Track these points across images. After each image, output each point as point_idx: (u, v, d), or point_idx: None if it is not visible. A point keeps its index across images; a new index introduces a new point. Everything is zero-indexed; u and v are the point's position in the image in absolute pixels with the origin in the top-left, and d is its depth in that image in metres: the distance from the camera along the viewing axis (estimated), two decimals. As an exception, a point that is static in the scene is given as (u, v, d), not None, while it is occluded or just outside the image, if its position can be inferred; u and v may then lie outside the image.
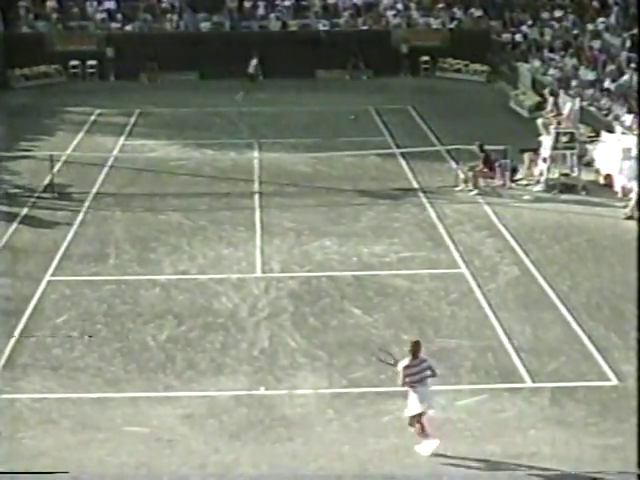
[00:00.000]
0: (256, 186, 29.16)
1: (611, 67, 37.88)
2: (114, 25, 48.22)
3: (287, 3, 49.56)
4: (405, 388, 15.22)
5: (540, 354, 18.22)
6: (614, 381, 17.24)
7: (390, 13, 48.79)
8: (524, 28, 46.82)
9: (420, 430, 15.16)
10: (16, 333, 19.20)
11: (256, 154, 32.68)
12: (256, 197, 28.00)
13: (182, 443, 15.38)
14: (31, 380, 17.38)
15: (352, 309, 20.30)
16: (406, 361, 15.19)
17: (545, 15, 47.86)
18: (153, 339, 18.99)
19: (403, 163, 31.12)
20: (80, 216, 26.34)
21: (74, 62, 46.09)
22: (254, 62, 42.78)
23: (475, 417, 16.11)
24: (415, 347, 15.27)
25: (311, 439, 15.52)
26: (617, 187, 27.63)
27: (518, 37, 46.21)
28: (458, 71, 46.32)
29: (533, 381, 17.28)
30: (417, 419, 15.20)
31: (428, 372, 15.23)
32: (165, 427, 15.85)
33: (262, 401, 16.72)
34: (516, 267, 22.47)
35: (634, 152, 27.37)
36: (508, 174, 28.60)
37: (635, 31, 39.96)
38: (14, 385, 17.20)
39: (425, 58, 46.75)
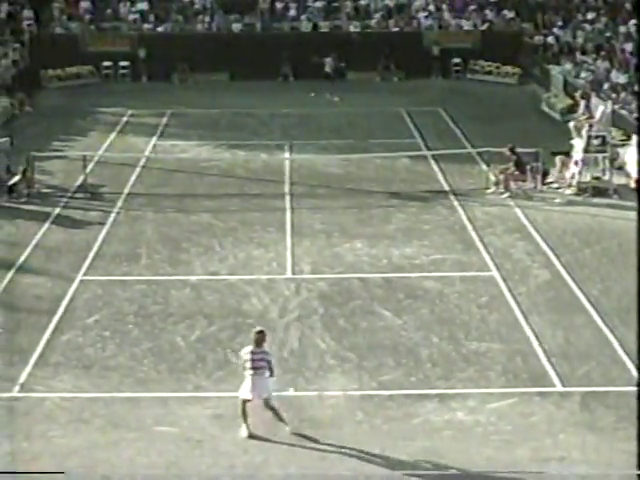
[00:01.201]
0: (287, 187, 29.20)
1: (643, 70, 37.73)
2: (146, 26, 48.46)
3: (318, 4, 49.63)
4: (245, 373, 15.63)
5: (570, 358, 18.14)
6: (645, 386, 17.15)
7: (422, 15, 48.75)
8: (556, 30, 46.63)
9: (244, 414, 15.63)
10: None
11: (287, 155, 32.73)
12: (287, 198, 28.04)
13: (212, 443, 15.43)
14: (62, 379, 17.48)
15: (382, 311, 20.30)
16: (249, 348, 15.67)
17: (578, 17, 47.63)
18: (183, 339, 19.06)
19: (434, 165, 31.08)
20: (112, 216, 26.48)
21: (107, 63, 46.35)
22: (329, 60, 42.78)
23: (505, 420, 16.05)
24: (259, 336, 15.70)
25: (340, 441, 15.49)
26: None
27: (550, 39, 46.03)
28: (489, 73, 46.21)
29: (563, 385, 17.19)
30: (243, 404, 15.64)
31: (264, 364, 15.58)
32: (195, 427, 15.89)
33: (291, 402, 16.70)
34: (547, 270, 22.38)
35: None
36: (539, 177, 28.50)
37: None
38: (45, 384, 17.31)
39: (456, 60, 46.71)
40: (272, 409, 15.73)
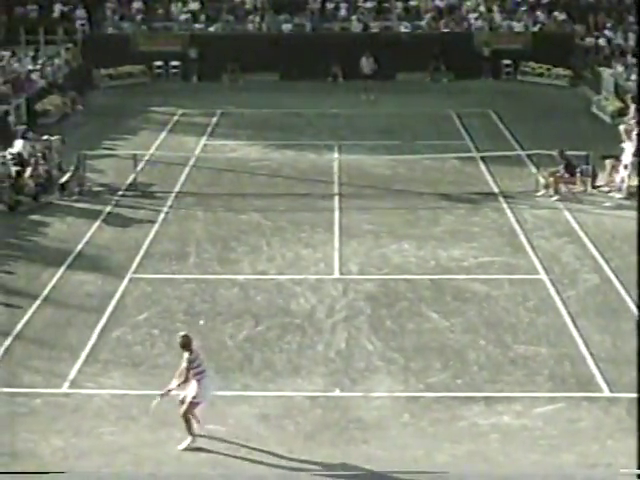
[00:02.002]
0: (335, 188, 29.24)
1: (696, 73, 37.32)
2: (197, 26, 48.64)
3: (369, 5, 49.56)
4: (192, 381, 15.39)
5: (618, 364, 18.01)
6: (693, 393, 17.00)
7: (472, 16, 48.53)
8: (608, 32, 46.24)
9: (191, 421, 15.44)
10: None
11: (336, 156, 32.77)
12: (335, 199, 28.08)
13: (258, 442, 15.48)
14: (112, 376, 17.66)
15: (429, 313, 20.29)
16: (186, 356, 15.35)
17: (629, 19, 47.19)
18: (231, 338, 19.17)
19: (483, 167, 30.96)
20: (162, 215, 26.68)
21: (158, 62, 46.58)
22: (364, 61, 42.82)
23: (551, 425, 15.98)
24: (186, 340, 15.46)
25: (386, 442, 15.53)
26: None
27: (602, 41, 45.63)
28: (540, 75, 45.87)
29: (611, 391, 17.09)
30: (193, 406, 15.44)
31: (206, 363, 15.55)
32: (241, 426, 15.98)
33: (337, 403, 16.78)
34: (596, 275, 22.25)
35: None
36: (589, 180, 28.32)
37: None
38: (95, 381, 17.49)
39: (507, 61, 46.40)
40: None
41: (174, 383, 15.56)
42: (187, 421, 15.45)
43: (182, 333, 15.84)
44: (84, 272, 22.54)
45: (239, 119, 38.94)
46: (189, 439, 15.45)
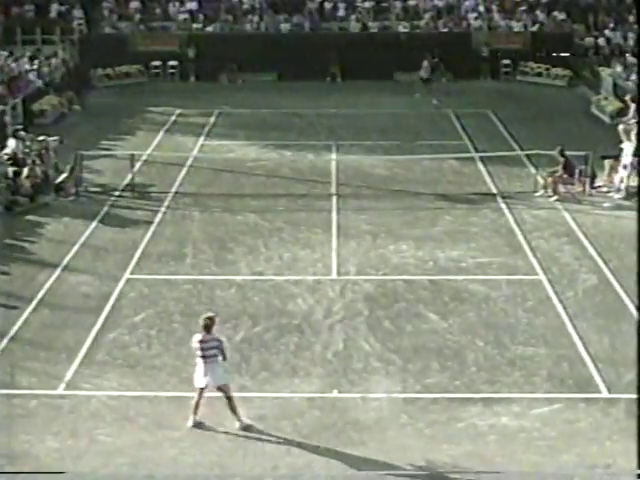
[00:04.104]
0: (333, 188, 29.18)
1: (696, 73, 37.27)
2: (195, 26, 48.67)
3: (367, 5, 49.57)
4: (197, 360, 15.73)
5: (617, 365, 17.95)
6: (692, 394, 16.94)
7: (471, 15, 48.55)
8: (607, 32, 46.20)
9: (196, 404, 15.72)
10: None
11: (334, 156, 32.71)
12: (333, 199, 28.02)
13: (255, 444, 15.44)
14: (108, 377, 17.58)
15: (428, 314, 20.22)
16: (199, 336, 15.72)
17: (629, 19, 47.14)
18: (228, 339, 18.98)
19: (482, 167, 30.92)
20: (159, 215, 26.61)
21: (155, 62, 46.64)
22: (425, 64, 42.69)
23: (550, 426, 15.92)
24: (209, 322, 15.73)
25: (384, 444, 15.47)
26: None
27: (601, 41, 45.62)
28: (539, 75, 45.92)
29: (609, 392, 17.03)
30: (199, 392, 15.73)
31: (216, 351, 15.65)
32: (239, 428, 15.88)
33: (335, 404, 16.71)
34: (595, 275, 22.19)
35: None
36: (588, 180, 28.25)
37: None
38: (91, 382, 17.41)
39: (506, 61, 46.46)
40: (228, 398, 15.80)
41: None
42: (230, 405, 15.77)
43: (209, 314, 16.07)
44: (81, 273, 22.48)
45: (237, 119, 38.91)
46: (191, 418, 15.81)
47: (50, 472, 14.60)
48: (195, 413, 15.84)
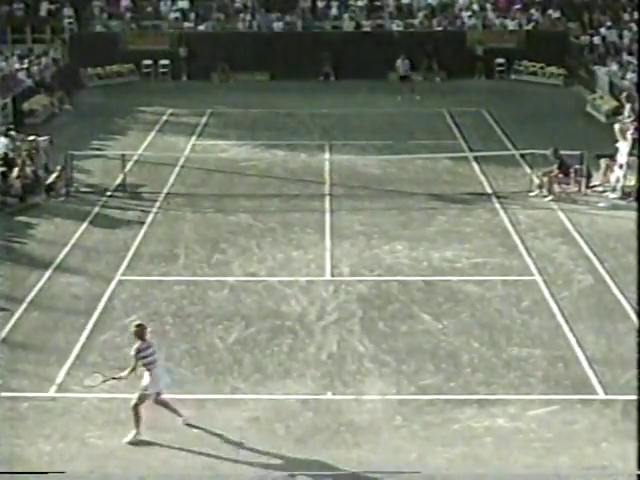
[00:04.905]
0: (326, 188, 29.05)
1: (691, 71, 37.16)
2: (187, 25, 48.53)
3: (360, 3, 49.46)
4: (140, 370, 15.57)
5: (613, 365, 17.85)
6: (689, 395, 16.82)
7: (465, 14, 48.46)
8: (603, 30, 46.12)
9: (139, 414, 15.49)
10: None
11: (327, 156, 32.60)
12: (326, 199, 27.89)
13: (248, 446, 15.31)
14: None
15: (422, 315, 20.09)
16: (137, 345, 15.49)
17: (624, 17, 47.07)
18: (221, 341, 18.96)
19: (476, 167, 30.81)
20: (151, 216, 26.46)
21: (147, 61, 46.55)
22: (399, 62, 42.59)
23: (546, 428, 15.82)
24: (139, 329, 15.61)
25: (378, 446, 15.36)
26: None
27: (596, 39, 45.53)
28: (534, 74, 45.88)
29: (606, 393, 16.92)
30: (155, 400, 15.54)
31: (156, 355, 15.59)
32: (231, 430, 15.78)
33: (329, 406, 16.60)
34: (590, 275, 22.07)
35: None
36: (584, 180, 28.14)
37: None
38: (83, 384, 17.17)
39: (500, 60, 46.41)
40: (164, 404, 15.69)
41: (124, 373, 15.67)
42: (135, 415, 15.46)
43: (137, 322, 15.99)
44: (72, 274, 22.32)
45: (229, 119, 38.83)
46: (133, 432, 15.45)
47: (46, 472, 14.51)
48: (178, 415, 15.73)
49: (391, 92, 42.34)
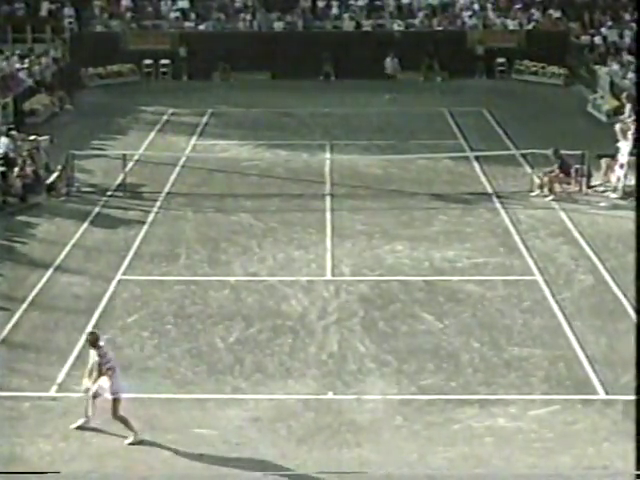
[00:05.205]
0: (327, 188, 29.04)
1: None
2: (187, 24, 48.53)
3: (361, 3, 49.46)
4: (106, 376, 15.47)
5: (614, 365, 17.82)
6: (690, 395, 16.80)
7: (466, 14, 48.44)
8: (604, 30, 46.08)
9: (126, 418, 15.40)
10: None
11: (328, 155, 32.57)
12: (327, 199, 27.88)
13: (249, 446, 15.28)
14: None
15: (423, 315, 20.07)
16: (93, 352, 15.51)
17: (625, 17, 47.04)
18: (222, 341, 18.94)
19: (477, 167, 30.79)
20: (151, 215, 26.45)
21: (147, 61, 46.51)
22: (388, 60, 42.47)
23: (547, 428, 15.79)
24: (92, 337, 15.60)
25: (379, 446, 15.32)
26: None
27: (597, 39, 45.51)
28: (535, 73, 45.85)
29: (607, 393, 16.90)
30: (118, 403, 15.44)
31: (113, 362, 15.55)
32: (233, 430, 15.76)
33: (330, 406, 16.57)
34: (591, 275, 22.06)
35: None
36: (584, 180, 28.12)
37: None
38: (83, 384, 17.21)
39: (501, 60, 46.39)
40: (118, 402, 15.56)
41: (87, 382, 15.63)
42: (123, 421, 15.42)
43: (90, 330, 16.03)
44: (72, 274, 22.30)
45: (230, 118, 38.85)
46: (131, 434, 15.39)
47: (45, 472, 14.46)
48: (131, 429, 15.47)
49: (391, 91, 42.29)
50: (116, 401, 15.40)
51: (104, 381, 15.44)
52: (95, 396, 15.58)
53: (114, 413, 15.40)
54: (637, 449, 13.77)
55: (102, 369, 15.39)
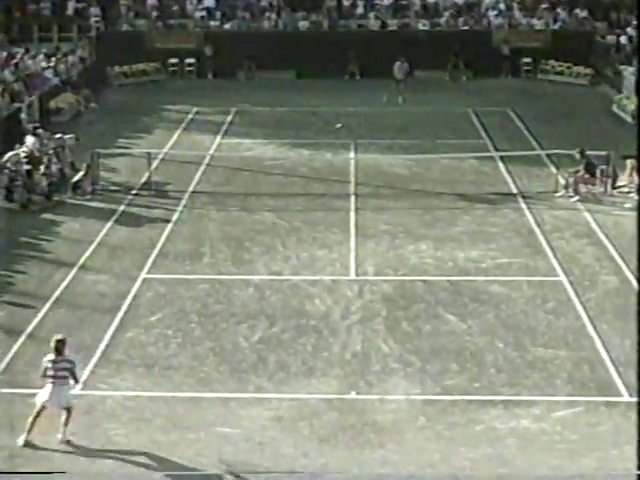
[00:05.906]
0: (351, 187, 29.01)
1: None
2: (213, 23, 48.59)
3: (386, 2, 49.40)
4: (46, 380, 15.47)
5: (638, 367, 17.71)
6: None
7: (492, 13, 48.30)
8: (630, 30, 45.83)
9: (32, 421, 15.34)
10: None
11: (352, 155, 32.53)
12: (351, 198, 27.85)
13: (272, 445, 15.31)
14: (125, 377, 17.48)
15: (446, 315, 20.03)
16: (51, 356, 15.46)
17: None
18: (245, 340, 18.96)
19: (502, 167, 30.69)
20: (176, 214, 26.50)
21: (173, 60, 46.59)
22: (397, 64, 42.29)
23: (570, 430, 15.74)
24: (58, 344, 15.50)
25: (402, 446, 15.32)
26: None
27: (623, 39, 45.26)
28: (560, 73, 45.64)
29: (630, 395, 16.76)
30: (39, 410, 15.38)
31: (67, 372, 15.43)
32: (255, 429, 15.78)
33: (353, 405, 16.57)
34: (616, 277, 21.95)
35: None
36: (610, 181, 27.98)
37: None
38: (108, 382, 17.31)
39: (527, 60, 46.22)
40: (68, 412, 15.47)
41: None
42: (32, 422, 15.39)
43: (59, 337, 15.69)
44: (97, 272, 22.39)
45: (255, 117, 38.84)
46: (23, 436, 15.34)
47: (49, 472, 14.55)
48: (29, 432, 15.38)
49: (416, 91, 42.16)
50: (43, 408, 15.42)
51: (46, 389, 15.42)
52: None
53: (35, 414, 15.39)
54: (638, 450, 13.74)
55: (46, 373, 15.43)
